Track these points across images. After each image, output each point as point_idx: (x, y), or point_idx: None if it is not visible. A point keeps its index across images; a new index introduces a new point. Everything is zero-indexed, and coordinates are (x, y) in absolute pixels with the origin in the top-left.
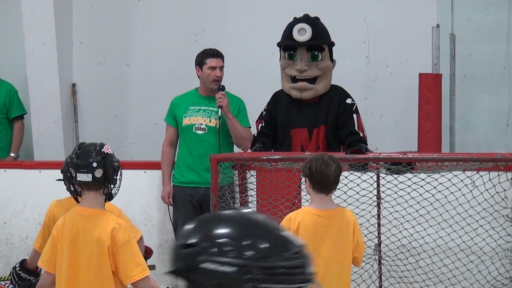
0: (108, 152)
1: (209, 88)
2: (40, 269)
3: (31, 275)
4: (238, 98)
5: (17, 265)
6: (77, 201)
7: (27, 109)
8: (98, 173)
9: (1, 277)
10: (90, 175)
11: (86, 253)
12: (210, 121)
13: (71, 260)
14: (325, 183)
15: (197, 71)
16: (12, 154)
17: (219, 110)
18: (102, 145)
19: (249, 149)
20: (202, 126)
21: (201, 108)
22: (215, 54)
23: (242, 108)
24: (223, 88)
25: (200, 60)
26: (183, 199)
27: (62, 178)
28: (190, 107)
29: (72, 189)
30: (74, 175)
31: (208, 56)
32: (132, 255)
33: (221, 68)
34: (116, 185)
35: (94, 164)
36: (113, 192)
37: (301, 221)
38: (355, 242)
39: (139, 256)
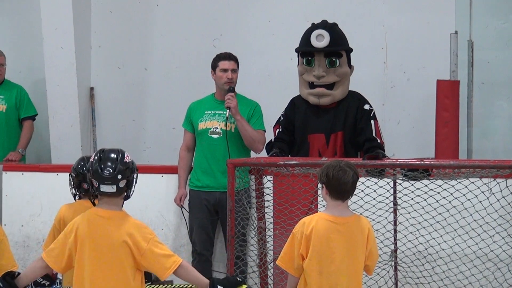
0: (129, 160)
1: (222, 91)
2: (56, 273)
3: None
4: (253, 101)
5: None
6: (94, 204)
7: (44, 113)
8: (122, 183)
9: None
10: (114, 187)
11: (108, 255)
12: (225, 125)
13: (93, 261)
14: (341, 191)
15: (212, 75)
16: (19, 150)
17: (227, 111)
18: (123, 154)
19: (266, 154)
20: (217, 130)
21: (217, 112)
22: (227, 56)
23: (257, 111)
24: (233, 90)
25: (214, 64)
26: (199, 203)
27: (74, 181)
28: (206, 112)
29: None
30: (97, 186)
31: (220, 59)
32: (160, 250)
33: (233, 70)
34: (133, 188)
35: (119, 176)
36: (130, 194)
37: (314, 227)
38: (368, 251)
39: (166, 249)
